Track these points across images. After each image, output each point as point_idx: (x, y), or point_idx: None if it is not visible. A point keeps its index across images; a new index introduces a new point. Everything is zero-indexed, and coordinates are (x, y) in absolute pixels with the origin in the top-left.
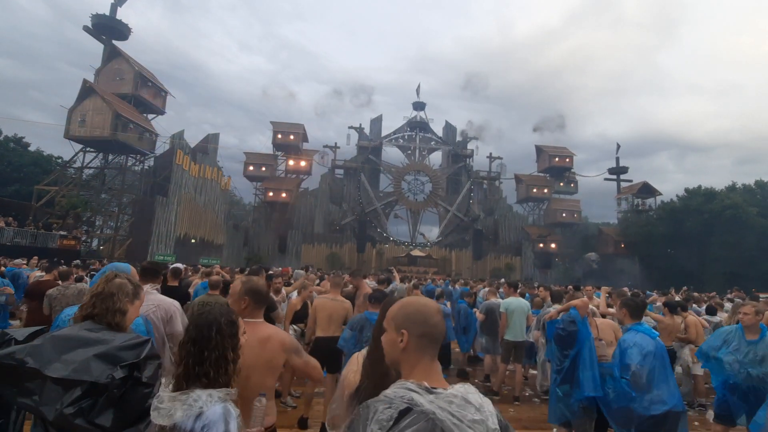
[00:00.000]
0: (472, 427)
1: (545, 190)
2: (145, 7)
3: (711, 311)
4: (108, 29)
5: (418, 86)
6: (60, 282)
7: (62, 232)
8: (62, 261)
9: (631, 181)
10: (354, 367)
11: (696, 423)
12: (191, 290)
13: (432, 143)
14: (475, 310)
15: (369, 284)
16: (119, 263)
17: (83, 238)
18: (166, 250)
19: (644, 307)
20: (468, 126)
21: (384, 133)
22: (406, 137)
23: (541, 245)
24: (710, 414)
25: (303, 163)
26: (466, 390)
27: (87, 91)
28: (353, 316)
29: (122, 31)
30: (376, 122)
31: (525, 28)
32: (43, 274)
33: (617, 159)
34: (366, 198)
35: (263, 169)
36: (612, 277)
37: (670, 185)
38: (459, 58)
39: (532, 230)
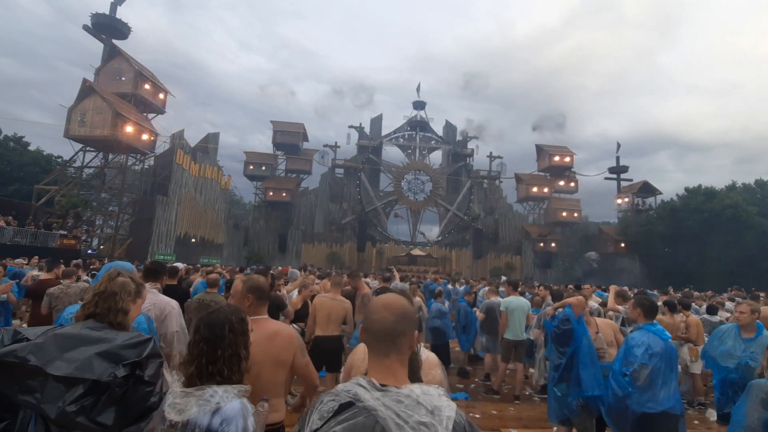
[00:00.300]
0: (417, 429)
1: (545, 190)
2: (145, 6)
3: (711, 311)
4: (108, 28)
5: (418, 85)
6: (62, 281)
7: (62, 232)
8: (61, 260)
9: (631, 180)
10: (360, 355)
11: (696, 422)
12: (191, 289)
13: (432, 142)
14: (475, 309)
15: (371, 283)
16: (120, 262)
17: (83, 238)
18: (166, 249)
19: (657, 308)
20: (468, 125)
21: (384, 132)
22: (406, 136)
23: (542, 244)
24: (711, 413)
25: (303, 163)
26: (424, 391)
27: (87, 90)
28: (354, 315)
29: (122, 31)
30: (376, 121)
31: (525, 28)
32: (38, 272)
33: (617, 158)
34: (366, 197)
35: (263, 168)
36: (612, 276)
37: (670, 185)
38: (459, 57)
39: (533, 229)
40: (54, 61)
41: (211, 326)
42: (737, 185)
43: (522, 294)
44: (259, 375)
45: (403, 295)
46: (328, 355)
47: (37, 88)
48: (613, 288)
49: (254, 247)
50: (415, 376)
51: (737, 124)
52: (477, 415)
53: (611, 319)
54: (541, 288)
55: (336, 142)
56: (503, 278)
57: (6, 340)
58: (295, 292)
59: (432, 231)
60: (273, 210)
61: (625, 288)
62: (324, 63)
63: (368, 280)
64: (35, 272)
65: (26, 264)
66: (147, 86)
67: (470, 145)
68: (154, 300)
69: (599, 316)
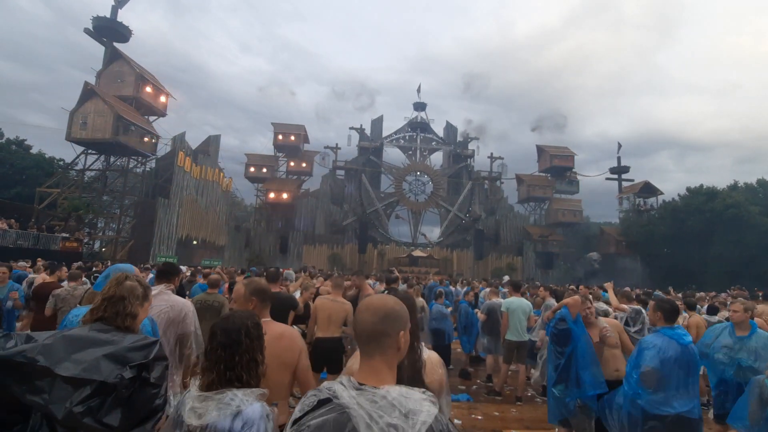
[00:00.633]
0: (386, 430)
1: (546, 190)
2: (146, 9)
3: (712, 311)
4: (109, 31)
5: (419, 86)
6: (64, 283)
7: (64, 234)
8: (63, 263)
9: (632, 180)
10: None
11: None
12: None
13: (433, 144)
14: (476, 310)
15: (373, 285)
16: (120, 264)
17: (85, 240)
18: (167, 251)
19: (678, 311)
20: (468, 126)
21: (385, 133)
22: (407, 138)
23: (543, 245)
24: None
25: (304, 164)
26: (402, 394)
27: (88, 93)
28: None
29: (123, 34)
30: (377, 123)
31: (525, 28)
32: (35, 274)
33: (618, 158)
34: (367, 199)
35: (264, 170)
36: (614, 276)
37: (671, 185)
38: (459, 58)
39: (534, 230)
40: (55, 64)
41: (227, 332)
42: (739, 185)
43: (524, 295)
44: (267, 377)
45: (407, 297)
46: (328, 356)
47: (39, 91)
48: (609, 286)
49: (255, 248)
50: (417, 377)
51: (738, 124)
52: (479, 417)
53: (619, 319)
54: (541, 289)
55: (337, 144)
56: (506, 278)
57: (20, 344)
58: (297, 294)
59: (433, 232)
60: (274, 212)
61: (627, 288)
62: (324, 64)
63: (370, 281)
64: (32, 275)
65: (29, 267)
66: (148, 89)
67: (471, 146)
68: (171, 302)
69: (605, 316)
